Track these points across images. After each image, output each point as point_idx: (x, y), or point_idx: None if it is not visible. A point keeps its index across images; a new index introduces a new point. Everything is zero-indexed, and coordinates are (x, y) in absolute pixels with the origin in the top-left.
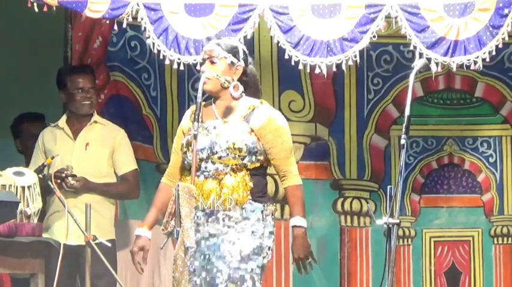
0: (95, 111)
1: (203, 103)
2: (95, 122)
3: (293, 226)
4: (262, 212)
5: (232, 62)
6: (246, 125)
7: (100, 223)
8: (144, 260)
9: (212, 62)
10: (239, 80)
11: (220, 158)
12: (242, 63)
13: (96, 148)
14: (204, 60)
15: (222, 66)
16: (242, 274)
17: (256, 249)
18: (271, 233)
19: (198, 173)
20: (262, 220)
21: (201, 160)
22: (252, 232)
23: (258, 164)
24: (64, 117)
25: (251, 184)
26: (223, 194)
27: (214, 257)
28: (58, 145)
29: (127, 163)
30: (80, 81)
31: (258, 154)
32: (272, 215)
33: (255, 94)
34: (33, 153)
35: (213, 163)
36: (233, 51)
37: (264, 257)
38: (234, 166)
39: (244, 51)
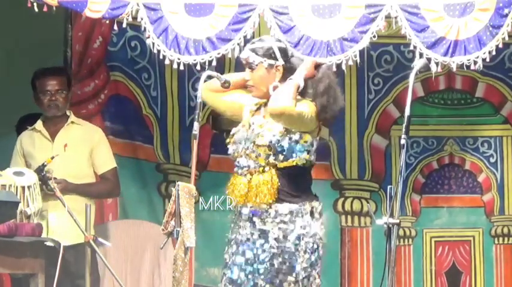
0: (71, 112)
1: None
2: (72, 122)
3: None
4: (297, 213)
5: (270, 65)
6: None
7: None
8: None
9: (252, 69)
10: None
11: (249, 154)
12: (281, 61)
13: (75, 149)
14: (243, 66)
15: (261, 71)
16: (281, 279)
17: (291, 253)
18: (307, 233)
19: (235, 169)
20: (298, 221)
21: (238, 155)
22: (286, 235)
23: (287, 164)
24: (40, 120)
25: (278, 182)
26: (251, 192)
27: (254, 261)
28: (37, 147)
29: (106, 161)
30: (46, 84)
31: (288, 152)
32: (312, 213)
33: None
34: (12, 157)
35: (246, 158)
36: (269, 53)
37: (303, 261)
38: (262, 163)
39: (281, 49)
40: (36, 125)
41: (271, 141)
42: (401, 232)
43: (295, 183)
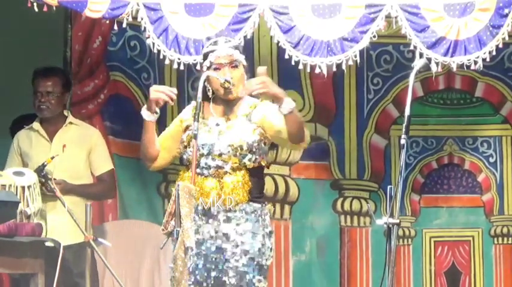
0: (69, 113)
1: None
2: (70, 123)
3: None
4: (261, 212)
5: (244, 64)
6: (249, 124)
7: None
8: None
9: (235, 67)
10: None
11: (221, 155)
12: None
13: (73, 150)
14: (220, 65)
15: (242, 70)
16: (249, 276)
17: (258, 251)
18: (271, 232)
19: (197, 170)
20: (262, 221)
21: (201, 155)
22: (254, 233)
23: (256, 165)
24: (38, 120)
25: (250, 184)
26: (224, 193)
27: (219, 259)
28: (34, 147)
29: (103, 163)
30: (39, 84)
31: (258, 153)
32: (269, 214)
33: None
34: (8, 156)
35: (213, 159)
36: (242, 52)
37: (267, 259)
38: (234, 165)
39: None
40: (34, 125)
41: (248, 142)
42: (400, 232)
43: (260, 183)
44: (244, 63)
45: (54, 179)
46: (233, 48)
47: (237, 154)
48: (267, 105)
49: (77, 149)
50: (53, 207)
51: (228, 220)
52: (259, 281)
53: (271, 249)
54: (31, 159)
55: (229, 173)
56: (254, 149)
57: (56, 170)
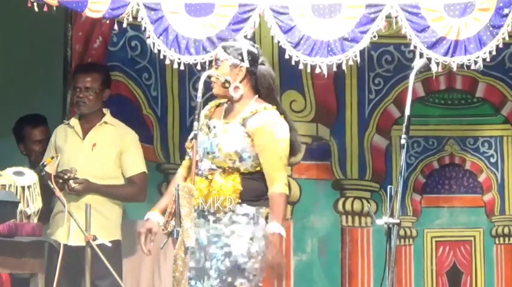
0: (108, 111)
1: (220, 102)
2: (105, 122)
3: (270, 233)
4: (253, 215)
5: (234, 64)
6: (243, 129)
7: (103, 224)
8: (151, 242)
9: (216, 65)
10: (250, 82)
11: (214, 158)
12: (246, 64)
13: (103, 149)
14: (210, 63)
15: (224, 68)
16: (230, 279)
17: (243, 253)
18: (263, 236)
19: (197, 171)
20: (254, 224)
21: (199, 158)
22: (239, 235)
23: (252, 169)
24: (77, 116)
25: (240, 187)
26: (211, 195)
27: (206, 261)
28: (68, 143)
29: (134, 165)
30: (78, 80)
31: (251, 159)
32: (267, 217)
33: (270, 96)
34: (47, 148)
35: (207, 162)
36: (236, 52)
37: (253, 262)
38: (226, 168)
39: (250, 52)
40: (71, 121)
41: (236, 150)
42: (402, 232)
43: (256, 187)
44: (232, 61)
45: (77, 178)
46: (221, 47)
47: (227, 159)
48: (265, 117)
49: (108, 149)
50: (77, 207)
51: (217, 220)
52: (241, 284)
53: (259, 252)
54: (63, 155)
55: (220, 176)
56: (245, 155)
57: (84, 169)
